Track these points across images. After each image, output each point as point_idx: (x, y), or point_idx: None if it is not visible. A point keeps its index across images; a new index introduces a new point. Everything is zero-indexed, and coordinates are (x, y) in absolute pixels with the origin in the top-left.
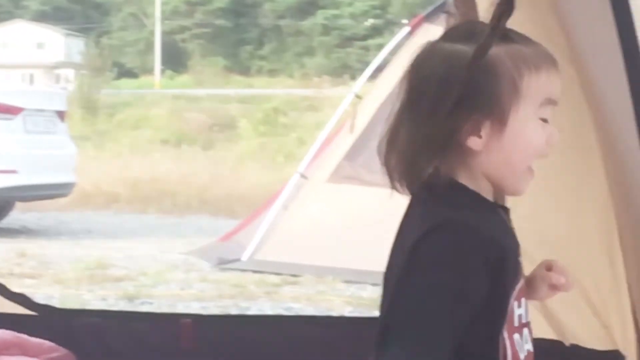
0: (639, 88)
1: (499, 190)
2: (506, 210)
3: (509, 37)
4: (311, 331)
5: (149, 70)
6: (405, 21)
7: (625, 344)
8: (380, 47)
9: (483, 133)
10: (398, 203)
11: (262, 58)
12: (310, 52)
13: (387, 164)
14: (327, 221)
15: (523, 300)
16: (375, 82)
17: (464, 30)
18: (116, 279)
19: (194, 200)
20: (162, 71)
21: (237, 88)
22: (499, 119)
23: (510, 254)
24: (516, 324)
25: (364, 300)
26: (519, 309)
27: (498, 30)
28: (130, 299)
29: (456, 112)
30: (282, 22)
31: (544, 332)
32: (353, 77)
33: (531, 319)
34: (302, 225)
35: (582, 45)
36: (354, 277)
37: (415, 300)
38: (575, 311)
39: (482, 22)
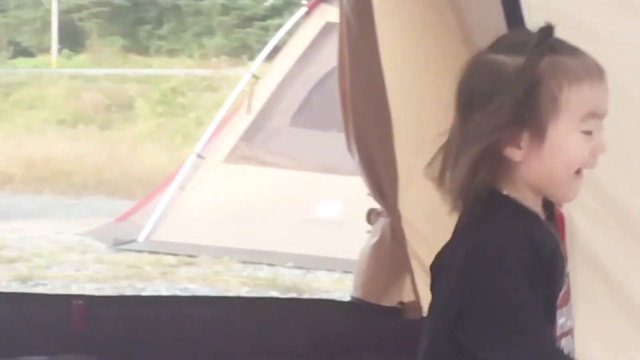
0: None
1: (548, 198)
2: (552, 220)
3: (555, 48)
4: (207, 311)
5: (46, 50)
6: (304, 1)
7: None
8: (279, 27)
9: (522, 144)
10: (295, 183)
11: (161, 38)
12: (209, 32)
13: (441, 185)
14: (224, 202)
15: (564, 309)
16: (273, 62)
17: (511, 41)
18: (9, 260)
19: (91, 181)
20: (59, 50)
21: (136, 68)
22: (538, 131)
23: (551, 261)
24: (558, 332)
25: (260, 281)
26: (560, 318)
27: (544, 45)
28: (24, 280)
29: (498, 124)
30: (181, 2)
31: None
32: (252, 58)
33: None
34: (199, 206)
35: (473, 26)
36: (250, 258)
37: (495, 304)
38: None
39: (529, 32)
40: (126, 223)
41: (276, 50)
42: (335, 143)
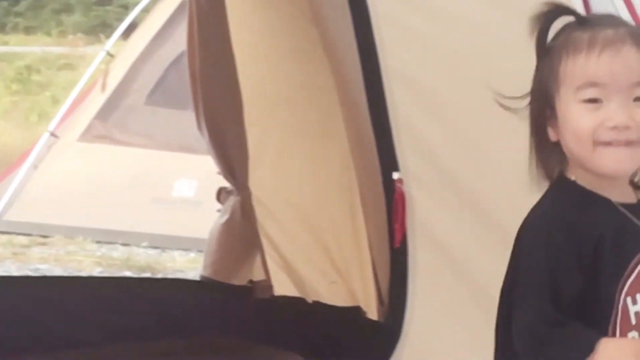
0: (366, 49)
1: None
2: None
3: (583, 23)
4: (57, 292)
5: None
6: None
7: (366, 299)
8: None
9: (552, 123)
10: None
11: (18, 15)
12: (68, 9)
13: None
14: (78, 181)
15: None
16: (129, 40)
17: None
18: None
19: None
20: None
21: None
22: (550, 106)
23: (596, 248)
24: (633, 321)
25: (114, 261)
26: (634, 306)
27: (547, 22)
28: None
29: (535, 107)
30: None
31: (287, 289)
32: (110, 36)
33: None
34: (53, 185)
35: (323, 9)
36: (105, 238)
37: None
38: (317, 268)
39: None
40: None
41: (132, 28)
42: (191, 122)
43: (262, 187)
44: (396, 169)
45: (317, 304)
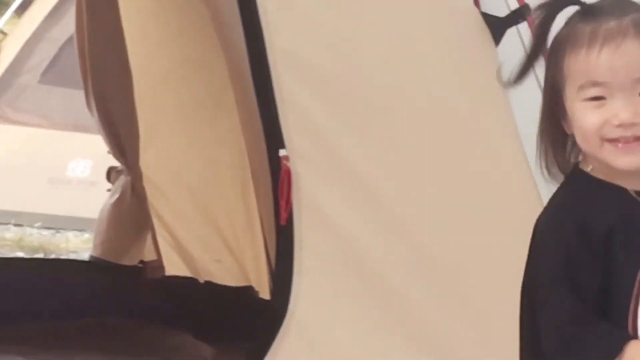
0: (251, 27)
1: None
2: None
3: (587, 13)
4: None
5: None
6: None
7: (258, 279)
8: None
9: (563, 117)
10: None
11: None
12: None
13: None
14: None
15: None
16: (22, 17)
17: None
18: None
19: None
20: None
21: None
22: (561, 101)
23: (607, 238)
24: None
25: (6, 241)
26: None
27: (550, 13)
28: None
29: (547, 102)
30: None
31: (179, 269)
32: (2, 13)
33: None
34: None
35: None
36: None
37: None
38: (210, 248)
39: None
40: None
41: (26, 5)
42: None
43: (153, 166)
44: (282, 146)
45: (209, 284)
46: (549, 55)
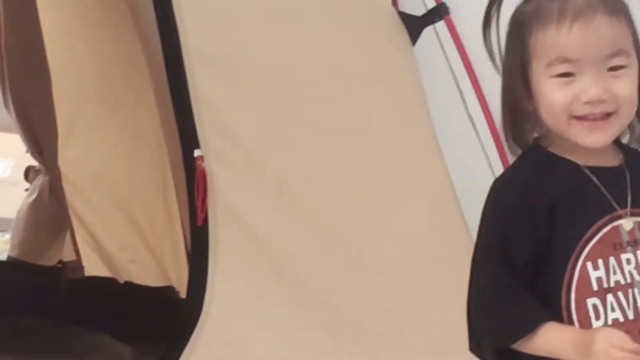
0: (166, 27)
1: None
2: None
3: None
4: None
5: None
6: None
7: (178, 278)
8: None
9: (525, 94)
10: None
11: None
12: None
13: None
14: None
15: (602, 261)
16: None
17: None
18: None
19: None
20: None
21: None
22: (524, 78)
23: (553, 207)
24: (595, 287)
25: None
26: (595, 272)
27: None
28: None
29: (508, 79)
30: None
31: (98, 270)
32: None
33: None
34: None
35: None
36: None
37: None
38: (129, 248)
39: None
40: None
41: None
42: None
43: (72, 166)
44: (197, 146)
45: (129, 284)
46: (511, 30)
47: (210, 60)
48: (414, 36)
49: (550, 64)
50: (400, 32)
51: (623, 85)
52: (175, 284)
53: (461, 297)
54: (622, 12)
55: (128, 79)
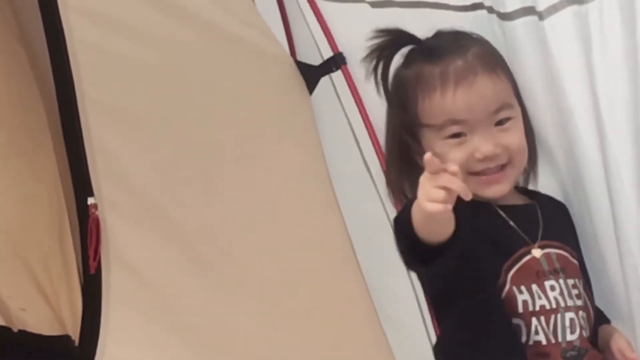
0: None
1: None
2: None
3: (431, 54)
4: None
5: None
6: None
7: (75, 327)
8: None
9: (416, 151)
10: None
11: None
12: None
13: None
14: None
15: (524, 287)
16: None
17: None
18: None
19: None
20: None
21: None
22: (413, 138)
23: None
24: (520, 309)
25: None
26: (521, 295)
27: (388, 57)
28: None
29: (394, 137)
30: None
31: None
32: None
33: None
34: None
35: (30, 29)
36: None
37: None
38: (24, 297)
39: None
40: None
41: None
42: None
43: None
44: (91, 194)
45: (24, 333)
46: (394, 95)
47: (106, 108)
48: (311, 86)
49: (440, 127)
50: (298, 81)
51: (512, 137)
52: (71, 333)
53: (356, 340)
54: (499, 67)
55: (25, 122)
